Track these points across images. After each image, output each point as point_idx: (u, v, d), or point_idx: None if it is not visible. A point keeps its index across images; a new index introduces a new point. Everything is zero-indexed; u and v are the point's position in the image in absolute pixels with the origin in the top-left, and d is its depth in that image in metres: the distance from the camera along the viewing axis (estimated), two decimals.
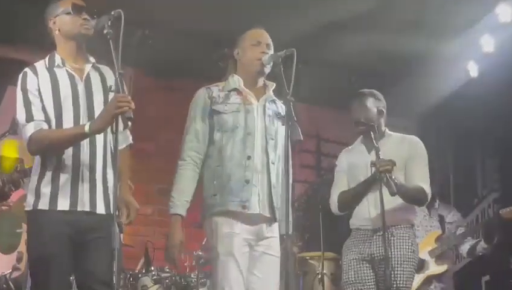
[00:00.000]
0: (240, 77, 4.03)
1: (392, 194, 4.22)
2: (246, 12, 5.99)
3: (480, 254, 5.59)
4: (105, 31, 3.44)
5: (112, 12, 3.45)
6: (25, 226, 5.75)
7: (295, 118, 3.52)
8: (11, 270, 5.64)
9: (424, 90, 7.15)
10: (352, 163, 4.62)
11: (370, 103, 4.58)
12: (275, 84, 4.07)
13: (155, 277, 5.58)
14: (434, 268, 5.42)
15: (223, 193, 3.85)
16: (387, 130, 4.64)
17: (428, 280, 5.41)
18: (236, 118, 3.92)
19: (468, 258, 5.72)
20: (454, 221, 5.63)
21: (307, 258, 6.07)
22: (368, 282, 4.45)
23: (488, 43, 6.35)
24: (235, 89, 4.00)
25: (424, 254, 5.44)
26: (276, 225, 3.95)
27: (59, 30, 3.70)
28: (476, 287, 6.30)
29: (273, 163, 3.95)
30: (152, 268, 5.68)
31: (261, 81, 4.08)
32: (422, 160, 4.52)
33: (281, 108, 4.05)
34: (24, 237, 5.82)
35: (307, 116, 6.95)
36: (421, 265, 5.36)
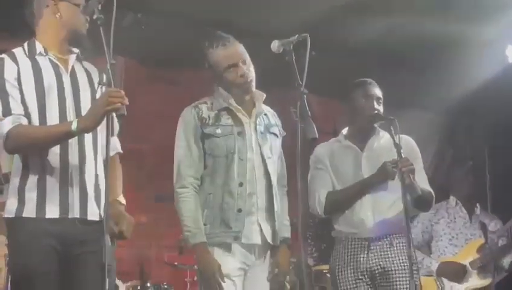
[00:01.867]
0: (228, 92, 4.10)
1: (416, 197, 4.28)
2: None
3: None
4: (95, 16, 3.45)
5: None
6: (3, 237, 5.80)
7: (309, 114, 3.53)
8: None
9: (455, 79, 7.13)
10: (339, 161, 4.64)
11: (378, 92, 4.60)
12: (265, 95, 4.16)
13: None
14: (476, 282, 5.42)
15: (213, 223, 3.99)
16: (378, 127, 4.66)
17: None
18: (229, 142, 4.04)
19: (508, 272, 5.71)
20: (497, 230, 5.63)
21: (325, 271, 6.08)
22: None
23: None
24: (226, 108, 4.08)
25: (464, 264, 5.45)
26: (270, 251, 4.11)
27: (60, 16, 3.69)
28: None
29: (273, 184, 4.09)
30: (148, 285, 5.71)
31: (248, 96, 4.14)
32: (420, 161, 4.61)
33: (273, 117, 4.24)
34: (3, 250, 5.87)
35: (322, 111, 6.96)
36: (462, 273, 5.38)
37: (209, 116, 4.07)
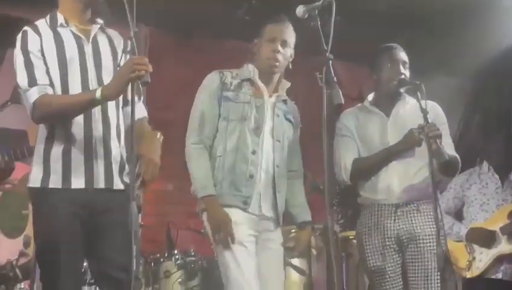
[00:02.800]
0: (256, 67, 4.19)
1: (443, 163, 4.33)
2: None
3: None
4: None
5: None
6: (31, 206, 5.87)
7: (335, 79, 3.51)
8: (17, 256, 5.73)
9: (480, 43, 7.09)
10: (365, 127, 4.63)
11: (404, 57, 4.58)
12: (289, 84, 4.26)
13: (179, 262, 5.67)
14: (506, 247, 5.39)
15: (222, 185, 4.05)
16: (404, 93, 4.64)
17: (499, 260, 5.39)
18: (246, 109, 4.11)
19: None
20: None
21: (351, 237, 6.09)
22: (397, 269, 4.49)
23: None
24: (249, 79, 4.17)
25: (495, 230, 5.43)
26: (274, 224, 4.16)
27: None
28: None
29: (278, 166, 4.14)
30: (175, 252, 5.77)
31: (276, 77, 4.24)
32: (446, 127, 4.58)
33: (292, 109, 4.33)
34: (31, 219, 5.94)
35: (347, 76, 6.94)
36: (492, 239, 5.37)
37: (231, 83, 4.16)
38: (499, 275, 5.37)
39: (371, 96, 4.72)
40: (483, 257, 5.36)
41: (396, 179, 4.48)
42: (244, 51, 4.32)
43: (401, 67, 4.55)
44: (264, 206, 4.08)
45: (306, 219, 4.24)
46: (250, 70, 4.19)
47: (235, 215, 4.00)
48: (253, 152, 4.06)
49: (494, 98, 7.25)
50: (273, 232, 4.14)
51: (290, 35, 4.19)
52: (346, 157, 4.55)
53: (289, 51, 4.18)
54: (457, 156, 4.55)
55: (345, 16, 3.64)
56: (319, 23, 3.66)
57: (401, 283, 4.47)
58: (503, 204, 5.50)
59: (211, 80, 4.16)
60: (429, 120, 4.22)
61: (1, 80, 6.49)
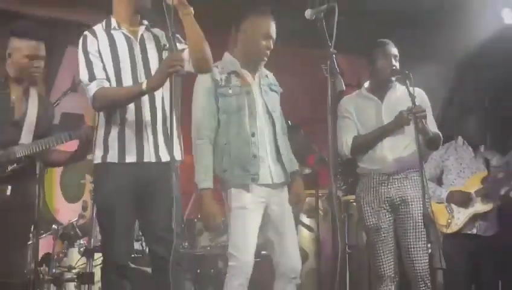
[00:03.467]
0: (236, 57, 4.15)
1: (428, 139, 4.42)
2: None
3: None
4: None
5: None
6: (87, 177, 5.94)
7: (338, 70, 3.57)
8: (77, 218, 5.79)
9: (460, 38, 7.08)
10: (363, 110, 4.68)
11: (395, 51, 4.64)
12: (265, 60, 4.18)
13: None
14: (479, 207, 5.46)
15: (232, 168, 4.03)
16: (394, 81, 4.70)
17: (474, 218, 5.46)
18: (239, 99, 4.07)
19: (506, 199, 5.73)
20: (499, 165, 5.65)
21: (351, 201, 6.15)
22: (390, 225, 4.56)
23: None
24: (234, 71, 4.12)
25: (469, 192, 5.50)
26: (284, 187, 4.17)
27: None
28: None
29: (277, 133, 4.15)
30: (199, 217, 5.68)
31: (261, 64, 4.21)
32: (430, 110, 4.63)
33: (273, 79, 4.28)
34: (88, 187, 6.02)
35: (348, 67, 6.94)
36: (468, 200, 5.43)
37: (221, 79, 4.09)
38: (474, 231, 5.45)
39: (367, 84, 4.79)
40: (461, 216, 5.43)
41: (389, 152, 4.56)
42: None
43: (393, 60, 4.62)
44: (275, 177, 4.10)
45: (294, 169, 4.22)
46: (231, 62, 4.15)
47: (243, 192, 4.02)
48: (253, 134, 4.05)
49: (470, 84, 7.26)
50: (283, 194, 4.15)
51: (274, 29, 4.15)
52: (347, 135, 4.62)
53: (272, 43, 4.16)
54: (439, 133, 4.62)
55: (346, 16, 3.67)
56: (324, 23, 3.68)
57: (393, 237, 4.56)
58: (477, 172, 5.57)
59: (204, 79, 4.07)
60: (416, 103, 4.31)
61: (62, 73, 6.56)
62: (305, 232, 6.33)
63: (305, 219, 6.30)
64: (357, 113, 4.69)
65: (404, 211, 4.53)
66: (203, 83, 4.07)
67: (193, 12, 3.61)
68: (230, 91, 4.07)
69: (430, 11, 6.85)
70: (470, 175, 5.55)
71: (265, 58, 4.16)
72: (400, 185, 4.56)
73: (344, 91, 3.57)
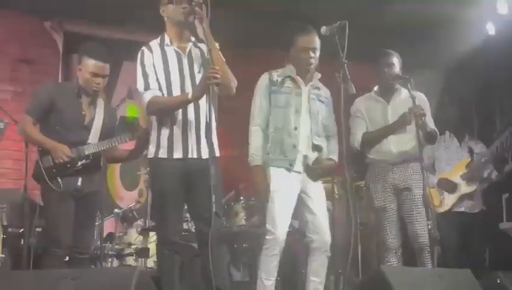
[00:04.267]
0: (294, 67, 4.18)
1: (426, 133, 4.40)
2: None
3: (494, 179, 5.64)
4: (196, 17, 3.58)
5: (201, 1, 3.55)
6: (142, 169, 5.99)
7: (349, 77, 3.57)
8: (134, 203, 5.85)
9: (450, 47, 7.05)
10: (372, 110, 4.68)
11: (397, 60, 4.63)
12: (320, 75, 4.23)
13: (243, 205, 5.69)
14: (465, 189, 5.44)
15: (274, 152, 4.09)
16: (398, 85, 4.68)
17: (461, 199, 5.45)
18: (288, 98, 4.12)
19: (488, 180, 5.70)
20: (481, 152, 5.61)
21: (362, 186, 6.12)
22: (394, 206, 4.56)
23: (502, 6, 6.31)
24: (290, 76, 4.17)
25: (457, 178, 5.47)
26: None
27: (167, 17, 3.77)
28: (498, 203, 6.29)
29: (314, 133, 4.16)
30: (241, 198, 5.79)
31: (311, 72, 4.21)
32: (429, 109, 4.63)
33: (324, 92, 4.27)
34: (142, 177, 6.07)
35: (358, 73, 6.92)
36: (454, 187, 5.43)
37: (277, 80, 4.17)
38: (462, 209, 5.47)
39: (376, 88, 4.78)
40: (450, 197, 5.44)
41: (393, 146, 4.56)
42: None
43: (395, 68, 4.61)
44: (304, 167, 4.14)
45: (332, 157, 4.25)
46: (290, 69, 4.20)
47: (280, 173, 4.08)
48: (295, 128, 4.10)
49: (459, 86, 7.21)
50: (313, 182, 4.17)
51: (318, 42, 4.16)
52: (358, 132, 4.64)
53: (318, 53, 4.18)
54: (435, 129, 4.61)
55: (355, 30, 3.67)
56: (337, 38, 3.74)
57: (397, 217, 4.56)
58: (462, 159, 5.55)
59: (262, 80, 4.19)
60: (416, 103, 4.30)
61: (120, 84, 6.57)
62: None
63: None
64: (367, 112, 4.69)
65: (406, 194, 4.52)
66: (260, 83, 4.18)
67: (218, 47, 3.66)
68: (282, 90, 4.15)
69: (426, 23, 6.80)
70: (456, 162, 5.54)
71: (311, 67, 4.16)
72: (402, 172, 4.55)
73: (355, 94, 3.58)
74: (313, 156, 4.16)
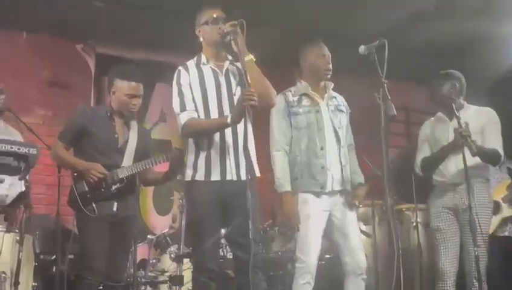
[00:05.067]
0: (307, 82, 4.23)
1: (473, 154, 4.32)
2: (340, 7, 6.10)
3: None
4: (227, 39, 3.64)
5: (236, 22, 3.60)
6: (176, 193, 6.03)
7: (389, 97, 3.58)
8: (168, 229, 5.86)
9: (490, 65, 7.02)
10: (436, 131, 4.68)
11: (448, 81, 4.63)
12: (333, 84, 4.28)
13: (279, 230, 5.68)
14: (508, 211, 5.38)
15: (302, 176, 4.10)
16: (465, 103, 4.66)
17: (504, 222, 5.39)
18: (309, 117, 4.16)
19: None
20: None
21: (403, 209, 6.12)
22: (454, 228, 4.52)
23: None
24: (305, 94, 4.21)
25: (498, 200, 5.41)
26: (346, 195, 4.18)
27: (203, 38, 3.82)
28: None
29: (342, 146, 4.18)
30: (276, 224, 5.77)
31: (322, 83, 4.28)
32: (496, 127, 4.58)
33: (341, 100, 4.34)
34: (176, 202, 6.11)
35: (396, 92, 6.94)
36: (496, 209, 5.37)
37: (293, 100, 4.21)
38: (506, 233, 5.41)
39: (442, 108, 4.77)
40: (493, 219, 5.32)
41: (454, 166, 4.53)
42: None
43: (447, 87, 4.64)
44: (335, 185, 4.14)
45: (360, 181, 4.28)
46: (303, 86, 4.23)
47: (309, 198, 4.09)
48: (321, 148, 4.12)
49: (498, 105, 7.22)
50: (345, 201, 4.18)
51: (326, 50, 4.26)
52: (419, 156, 4.71)
53: (329, 59, 4.26)
54: (498, 150, 4.51)
55: (392, 48, 3.69)
56: (376, 57, 3.72)
57: (457, 239, 4.54)
58: (501, 181, 5.50)
59: (279, 102, 4.12)
60: (462, 124, 4.28)
61: (153, 105, 6.73)
62: (362, 237, 6.28)
63: (362, 226, 6.25)
64: (431, 134, 4.74)
65: (465, 217, 4.41)
66: (277, 105, 4.11)
67: (253, 58, 3.67)
68: (300, 110, 4.18)
69: (465, 42, 6.80)
70: (496, 184, 5.48)
71: (327, 75, 4.23)
72: (463, 193, 4.46)
73: (396, 115, 3.57)
74: (341, 174, 4.16)
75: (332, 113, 4.22)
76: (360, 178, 4.30)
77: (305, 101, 4.21)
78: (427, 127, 4.80)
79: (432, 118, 4.84)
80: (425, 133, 4.76)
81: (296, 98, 4.21)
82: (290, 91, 4.24)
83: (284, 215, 4.11)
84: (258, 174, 3.76)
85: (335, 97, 4.32)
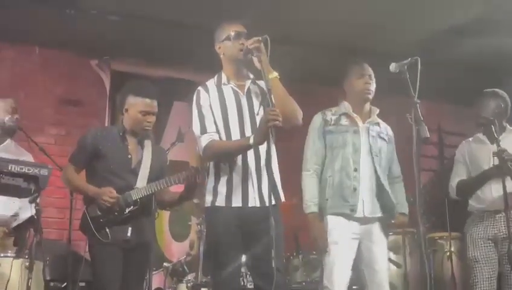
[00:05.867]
0: (349, 103, 4.24)
1: None
2: (373, 22, 6.10)
3: None
4: (254, 55, 3.61)
5: (260, 38, 3.60)
6: (193, 219, 6.03)
7: (422, 118, 3.55)
8: (185, 256, 5.85)
9: None
10: (475, 153, 4.64)
11: (493, 101, 4.59)
12: (378, 110, 4.29)
13: (303, 259, 5.68)
14: None
15: (333, 198, 4.09)
16: (508, 126, 4.62)
17: None
18: (345, 137, 4.16)
19: None
20: None
21: (436, 238, 6.06)
22: (493, 260, 4.46)
23: None
24: (345, 113, 4.22)
25: None
26: (378, 223, 4.15)
27: (223, 54, 3.81)
28: None
29: (378, 176, 4.15)
30: (300, 252, 5.77)
31: (367, 107, 4.29)
32: None
33: (384, 129, 4.32)
34: (194, 227, 6.11)
35: (429, 112, 6.91)
36: None
37: (331, 119, 4.23)
38: None
39: (481, 130, 4.75)
40: None
41: (495, 191, 4.49)
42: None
43: (490, 108, 4.63)
44: (366, 210, 4.10)
45: (403, 211, 4.27)
46: (345, 106, 4.25)
47: (339, 221, 4.07)
48: (355, 170, 4.11)
49: None
50: (377, 230, 4.15)
51: (371, 71, 4.28)
52: (454, 179, 4.69)
53: (374, 84, 4.26)
54: None
55: (425, 65, 3.66)
56: (408, 76, 3.68)
57: (496, 270, 4.49)
58: None
59: (316, 121, 4.25)
60: (502, 146, 4.29)
61: (170, 125, 6.75)
62: (392, 267, 6.22)
63: (392, 256, 6.19)
64: (469, 156, 4.72)
65: (504, 247, 4.40)
66: (313, 123, 4.25)
67: (278, 76, 3.67)
68: (337, 129, 4.19)
69: (505, 60, 6.76)
70: None
71: (370, 94, 4.23)
72: (504, 221, 4.43)
73: (429, 138, 3.54)
74: (373, 201, 4.13)
75: (372, 139, 4.22)
76: (403, 208, 4.29)
77: (344, 121, 4.22)
78: (464, 148, 4.77)
79: (470, 139, 4.81)
80: (463, 155, 4.73)
81: (334, 117, 4.24)
82: (330, 110, 4.28)
83: (312, 236, 4.10)
84: (282, 199, 3.74)
85: (378, 124, 4.31)
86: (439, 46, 6.59)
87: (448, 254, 5.86)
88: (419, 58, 3.61)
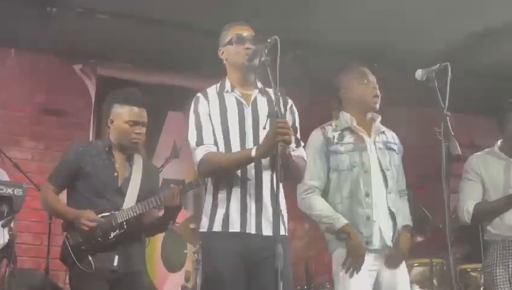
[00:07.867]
0: (352, 114, 4.21)
1: None
2: (400, 26, 6.15)
3: None
4: (262, 59, 3.53)
5: (269, 40, 3.55)
6: (189, 246, 6.03)
7: (452, 133, 3.54)
8: (180, 289, 5.85)
9: None
10: (492, 170, 4.58)
11: None
12: (380, 117, 4.26)
13: None
14: None
15: None
16: None
17: None
18: (353, 157, 4.12)
19: None
20: None
21: (468, 270, 6.03)
22: None
23: None
24: (348, 128, 4.18)
25: None
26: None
27: (226, 60, 3.80)
28: None
29: (390, 193, 4.13)
30: (312, 284, 5.76)
31: (369, 115, 4.26)
32: None
33: (391, 137, 4.30)
34: (190, 257, 6.10)
35: (460, 126, 6.91)
36: None
37: (333, 136, 4.17)
38: None
39: (499, 142, 4.69)
40: None
41: None
42: None
43: None
44: (386, 238, 4.07)
45: (406, 223, 4.18)
46: (347, 119, 4.20)
47: None
48: (367, 194, 4.06)
49: None
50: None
51: (371, 75, 4.25)
52: (468, 201, 4.52)
53: (374, 84, 4.25)
54: None
55: (457, 73, 3.65)
56: (436, 84, 3.67)
57: None
58: None
59: (316, 138, 4.17)
60: None
61: (164, 138, 6.75)
62: None
63: None
64: (485, 172, 4.58)
65: None
66: (313, 142, 4.16)
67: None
68: (342, 148, 4.13)
69: None
70: None
71: (376, 103, 4.20)
72: None
73: (460, 155, 3.53)
74: (391, 226, 4.10)
75: (381, 152, 4.19)
76: (405, 221, 4.20)
77: (348, 137, 4.17)
78: (476, 163, 4.63)
79: (483, 152, 4.73)
80: (476, 171, 4.59)
81: (337, 134, 4.18)
82: (331, 125, 4.22)
83: (351, 247, 4.01)
84: (282, 232, 3.57)
85: (383, 132, 4.29)
86: (472, 53, 6.60)
87: (482, 288, 5.83)
88: (449, 64, 3.60)
